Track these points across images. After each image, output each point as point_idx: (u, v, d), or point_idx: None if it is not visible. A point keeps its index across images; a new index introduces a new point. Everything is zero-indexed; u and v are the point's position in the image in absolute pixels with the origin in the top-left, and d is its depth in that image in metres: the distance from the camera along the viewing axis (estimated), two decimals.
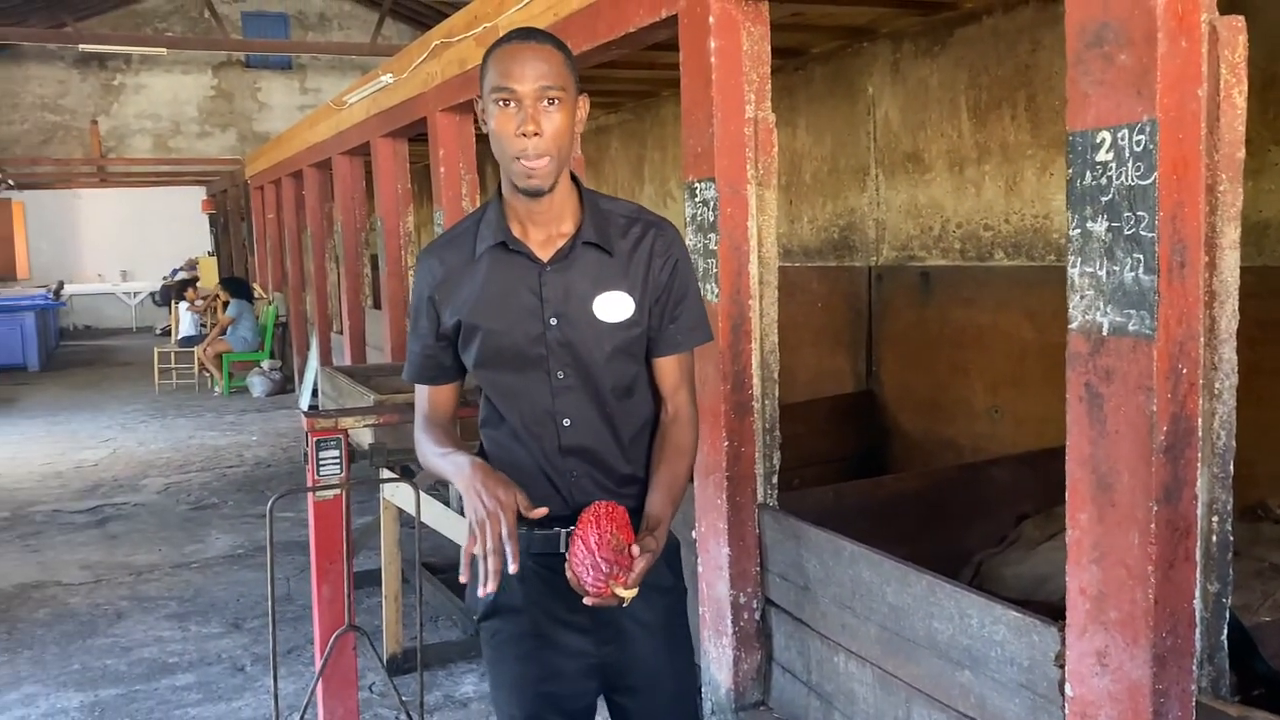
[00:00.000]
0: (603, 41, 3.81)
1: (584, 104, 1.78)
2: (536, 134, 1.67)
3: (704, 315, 1.93)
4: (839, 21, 4.81)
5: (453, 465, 1.80)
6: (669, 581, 1.94)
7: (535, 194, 1.75)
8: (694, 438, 1.91)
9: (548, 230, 1.81)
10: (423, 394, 1.97)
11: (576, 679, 1.89)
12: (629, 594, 1.69)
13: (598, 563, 1.67)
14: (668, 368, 1.90)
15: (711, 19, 3.08)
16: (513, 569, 1.64)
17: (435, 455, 1.87)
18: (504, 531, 1.64)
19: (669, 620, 1.96)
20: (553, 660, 1.87)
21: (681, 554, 2.04)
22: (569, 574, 1.71)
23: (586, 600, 1.70)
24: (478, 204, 5.88)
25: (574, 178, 1.85)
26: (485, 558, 1.65)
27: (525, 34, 1.74)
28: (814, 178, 5.72)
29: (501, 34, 1.81)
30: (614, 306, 1.80)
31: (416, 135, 6.81)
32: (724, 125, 3.11)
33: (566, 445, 1.85)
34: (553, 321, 1.80)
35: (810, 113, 5.69)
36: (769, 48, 3.18)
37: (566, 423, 1.85)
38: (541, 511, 1.72)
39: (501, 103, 1.69)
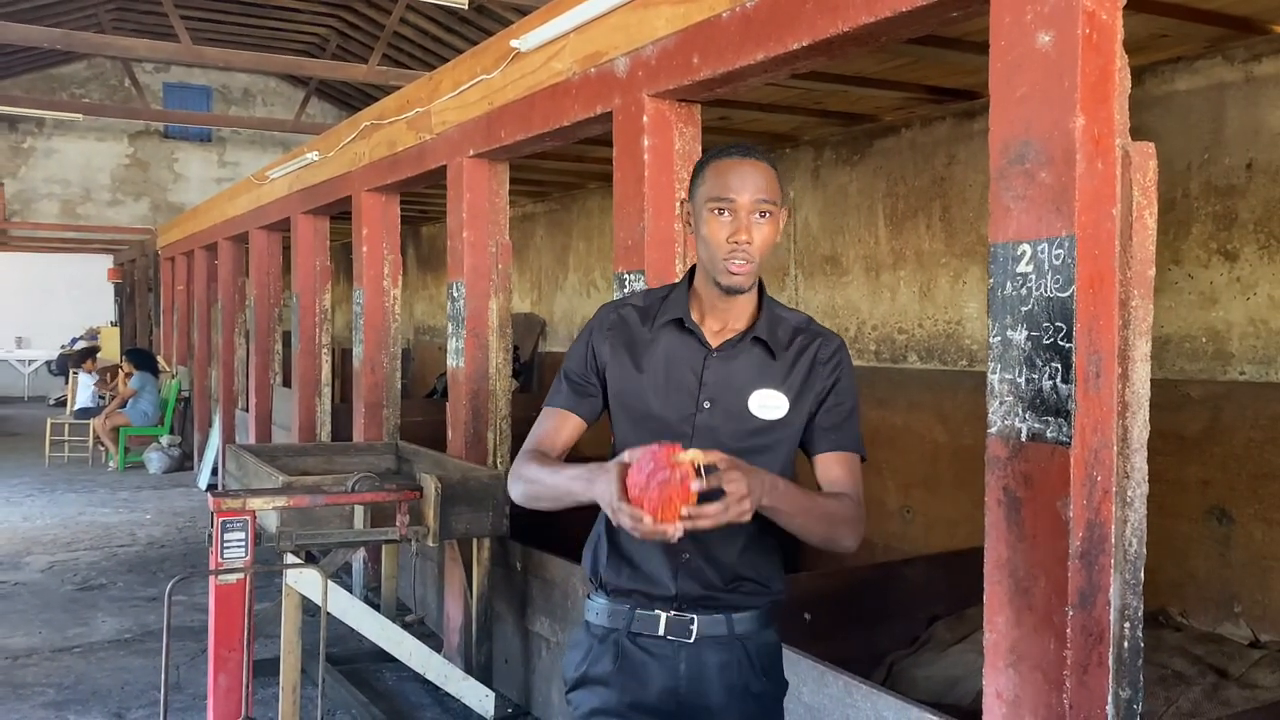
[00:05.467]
0: (536, 133, 3.86)
1: (785, 215, 1.88)
2: (748, 242, 1.78)
3: (860, 435, 1.90)
4: (763, 127, 4.97)
5: (580, 478, 1.71)
6: (759, 687, 1.87)
7: (734, 292, 1.83)
8: (857, 516, 1.81)
9: (724, 322, 1.88)
10: (545, 424, 1.94)
11: None
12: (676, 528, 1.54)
13: (659, 470, 1.54)
14: (834, 466, 1.85)
15: (646, 118, 3.16)
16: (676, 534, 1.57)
17: (547, 474, 1.81)
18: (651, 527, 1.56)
19: None
20: None
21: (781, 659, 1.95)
22: (628, 483, 1.58)
23: (635, 525, 1.57)
24: (399, 284, 5.85)
25: (760, 283, 1.91)
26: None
27: (745, 150, 1.85)
28: None
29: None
30: (768, 404, 1.84)
31: (339, 214, 6.77)
32: (655, 220, 3.17)
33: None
34: (705, 405, 1.84)
35: None
36: (700, 147, 3.26)
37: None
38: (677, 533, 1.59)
39: (718, 211, 1.79)
